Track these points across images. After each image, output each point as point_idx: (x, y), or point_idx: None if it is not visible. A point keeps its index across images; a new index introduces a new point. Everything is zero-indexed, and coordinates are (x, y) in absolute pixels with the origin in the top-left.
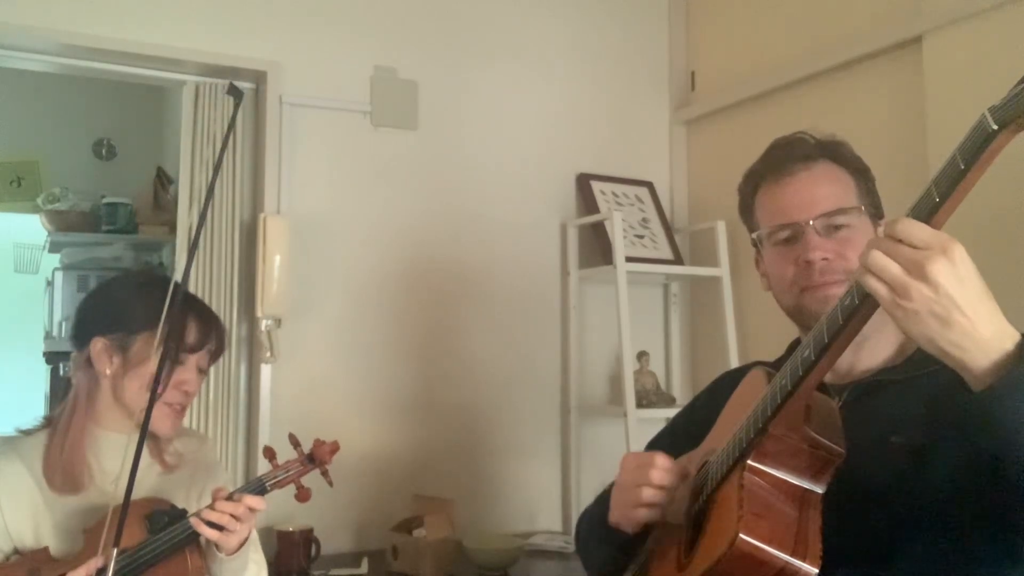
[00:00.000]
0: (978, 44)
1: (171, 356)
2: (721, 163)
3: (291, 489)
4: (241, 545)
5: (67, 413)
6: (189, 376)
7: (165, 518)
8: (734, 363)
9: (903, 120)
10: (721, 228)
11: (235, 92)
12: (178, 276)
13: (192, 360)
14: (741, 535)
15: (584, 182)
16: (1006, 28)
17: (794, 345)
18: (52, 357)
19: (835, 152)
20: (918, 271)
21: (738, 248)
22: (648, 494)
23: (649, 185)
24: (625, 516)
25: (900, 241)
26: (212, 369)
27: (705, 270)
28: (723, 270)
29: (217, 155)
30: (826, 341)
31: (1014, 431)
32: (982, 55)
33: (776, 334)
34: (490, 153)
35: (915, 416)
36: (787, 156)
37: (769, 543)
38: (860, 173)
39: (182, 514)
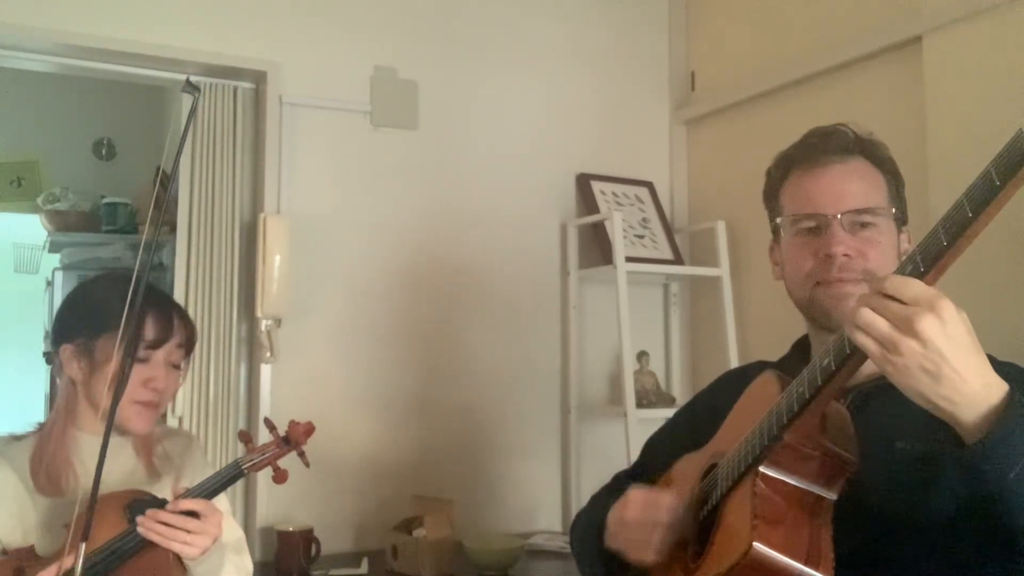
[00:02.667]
0: (978, 44)
1: (131, 354)
2: (721, 163)
3: (269, 472)
4: (206, 550)
5: (51, 417)
6: (156, 373)
7: (145, 508)
8: (734, 363)
9: (903, 120)
10: (721, 228)
11: (191, 88)
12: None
13: (158, 356)
14: (756, 543)
15: (584, 182)
16: (1006, 28)
17: (800, 343)
18: (52, 357)
19: (872, 151)
20: (907, 327)
21: (738, 248)
22: (658, 536)
23: (649, 185)
24: (632, 552)
25: (890, 297)
26: (212, 369)
27: (705, 270)
28: (723, 270)
29: (177, 147)
30: (848, 351)
31: (1005, 480)
32: (982, 55)
33: (776, 334)
34: (490, 153)
35: (921, 422)
36: (824, 146)
37: (783, 551)
38: (892, 176)
39: (162, 504)
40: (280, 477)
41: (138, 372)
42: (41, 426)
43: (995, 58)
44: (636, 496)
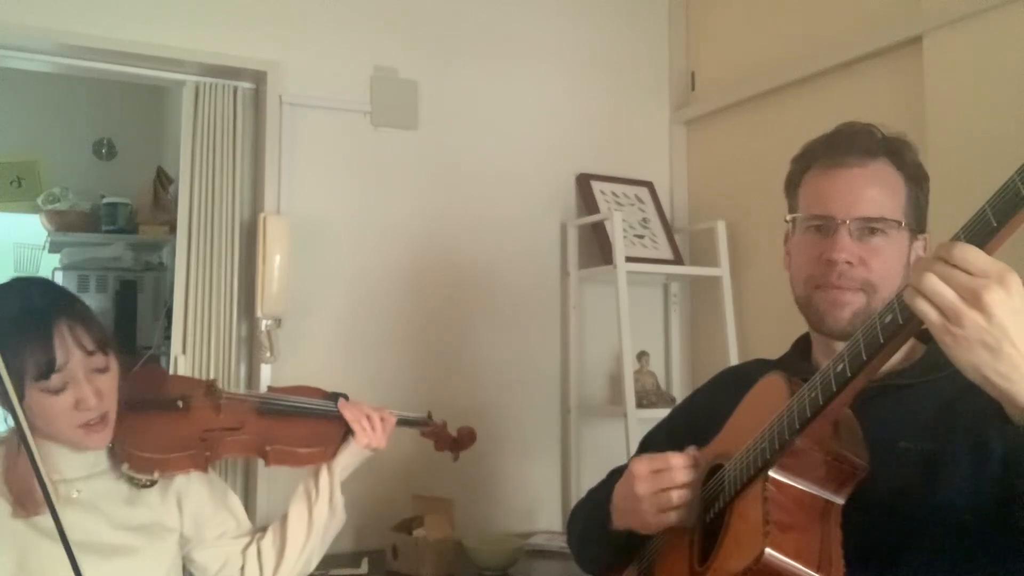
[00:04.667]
0: (978, 44)
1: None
2: (721, 163)
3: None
4: (367, 446)
5: (10, 434)
6: (82, 392)
7: (346, 398)
8: (734, 363)
9: (903, 120)
10: (721, 228)
11: None
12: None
13: (73, 375)
14: (768, 550)
15: (584, 182)
16: (1006, 28)
17: (800, 342)
18: None
19: (898, 153)
20: (973, 299)
21: (738, 248)
22: (677, 496)
23: (649, 185)
24: (649, 524)
25: (955, 266)
26: (212, 369)
27: (705, 270)
28: (723, 270)
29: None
30: (864, 359)
31: None
32: (982, 55)
33: (776, 333)
34: (490, 153)
35: (925, 421)
36: (848, 145)
37: (795, 558)
38: (916, 181)
39: (344, 396)
40: (440, 446)
41: (62, 401)
42: (7, 435)
43: (995, 58)
44: (640, 468)
